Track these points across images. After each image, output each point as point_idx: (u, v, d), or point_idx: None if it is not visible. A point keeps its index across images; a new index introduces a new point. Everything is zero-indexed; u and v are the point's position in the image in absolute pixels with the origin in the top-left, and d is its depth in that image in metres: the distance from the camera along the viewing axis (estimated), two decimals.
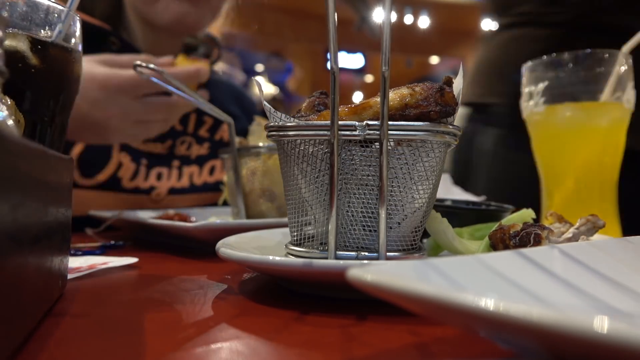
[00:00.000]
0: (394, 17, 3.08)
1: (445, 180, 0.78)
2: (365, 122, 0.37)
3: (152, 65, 0.68)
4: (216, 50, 1.19)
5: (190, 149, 1.08)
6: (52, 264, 0.33)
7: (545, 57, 0.71)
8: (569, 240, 0.39)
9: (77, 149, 0.94)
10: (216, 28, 1.13)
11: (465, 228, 0.52)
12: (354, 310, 0.35)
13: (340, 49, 0.37)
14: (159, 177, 1.02)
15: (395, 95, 0.39)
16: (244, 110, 1.22)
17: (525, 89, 0.72)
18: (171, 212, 0.85)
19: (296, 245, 0.42)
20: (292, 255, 0.41)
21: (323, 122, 0.39)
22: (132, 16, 1.04)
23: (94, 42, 0.97)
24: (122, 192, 0.98)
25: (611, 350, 0.15)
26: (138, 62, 0.68)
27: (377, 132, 0.37)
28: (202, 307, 0.37)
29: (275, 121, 0.42)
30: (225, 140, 1.12)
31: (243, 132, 0.83)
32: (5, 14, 0.30)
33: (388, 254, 0.38)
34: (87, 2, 1.01)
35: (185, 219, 0.77)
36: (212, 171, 1.10)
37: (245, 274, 0.49)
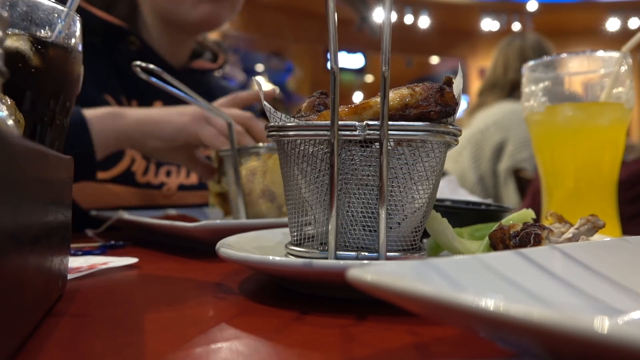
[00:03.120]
0: (394, 17, 3.07)
1: (452, 182, 0.78)
2: (365, 122, 0.37)
3: (151, 66, 0.68)
4: (222, 56, 1.21)
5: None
6: (52, 264, 0.33)
7: (545, 57, 0.71)
8: (569, 240, 0.39)
9: None
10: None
11: (465, 228, 0.52)
12: (354, 310, 0.35)
13: (340, 49, 0.37)
14: (168, 174, 1.06)
15: (395, 95, 0.39)
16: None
17: (525, 89, 0.72)
18: (172, 212, 0.85)
19: (296, 245, 0.42)
20: (292, 255, 0.41)
21: (323, 122, 0.38)
22: (149, 16, 1.05)
23: (114, 40, 0.99)
24: (136, 187, 1.01)
25: (611, 350, 0.15)
26: (137, 63, 0.67)
27: (377, 132, 0.37)
28: (202, 307, 0.37)
29: (275, 121, 0.42)
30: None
31: None
32: (5, 14, 0.30)
33: (388, 254, 0.38)
34: (106, 1, 1.02)
35: (191, 219, 0.77)
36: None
37: (245, 274, 0.49)
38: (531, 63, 0.72)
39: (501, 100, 2.16)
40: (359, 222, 0.39)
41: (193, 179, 1.09)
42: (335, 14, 0.36)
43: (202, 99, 0.72)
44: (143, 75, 0.69)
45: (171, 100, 1.03)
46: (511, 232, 0.41)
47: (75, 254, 0.58)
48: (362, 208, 0.39)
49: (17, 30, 0.42)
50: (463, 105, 2.17)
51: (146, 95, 1.04)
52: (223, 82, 1.36)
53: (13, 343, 0.25)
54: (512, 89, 2.16)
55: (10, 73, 0.30)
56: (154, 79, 0.70)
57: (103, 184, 0.97)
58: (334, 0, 0.36)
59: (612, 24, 8.24)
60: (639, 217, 1.31)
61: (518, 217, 0.46)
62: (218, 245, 0.42)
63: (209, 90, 1.12)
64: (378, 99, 0.39)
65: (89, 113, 0.79)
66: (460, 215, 0.57)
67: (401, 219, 0.40)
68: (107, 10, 1.00)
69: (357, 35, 8.07)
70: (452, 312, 0.19)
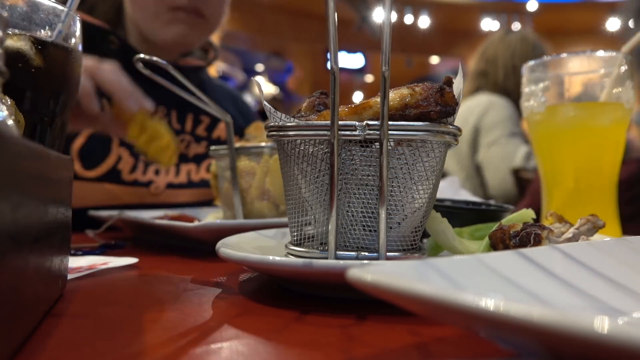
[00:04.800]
0: (394, 17, 3.08)
1: (454, 183, 0.78)
2: (365, 122, 0.37)
3: (155, 58, 0.67)
4: (212, 52, 1.21)
5: (188, 148, 1.10)
6: (52, 264, 0.33)
7: (545, 57, 0.71)
8: (569, 240, 0.39)
9: (78, 142, 0.96)
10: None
11: (465, 228, 0.52)
12: (354, 310, 0.35)
13: (340, 49, 0.37)
14: (157, 172, 1.05)
15: (395, 95, 0.39)
16: (240, 111, 1.25)
17: (525, 89, 0.72)
18: (172, 213, 0.85)
19: (296, 245, 0.42)
20: (292, 255, 0.41)
21: (323, 122, 0.38)
22: (131, 25, 1.05)
23: (93, 40, 0.98)
24: (123, 185, 1.00)
25: (611, 350, 0.15)
26: (140, 56, 0.67)
27: (377, 132, 0.37)
28: (202, 307, 0.37)
29: (275, 121, 0.42)
30: (222, 138, 1.13)
31: (239, 131, 0.83)
32: (5, 14, 0.30)
33: (388, 254, 0.38)
34: (88, 3, 1.01)
35: (191, 219, 0.77)
36: (209, 168, 1.12)
37: (245, 274, 0.49)
38: (531, 63, 0.72)
39: (469, 94, 2.16)
40: (359, 222, 0.39)
41: (182, 177, 1.08)
42: (335, 14, 0.36)
43: (204, 95, 0.72)
44: (146, 71, 0.68)
45: (165, 101, 1.03)
46: (511, 232, 0.41)
47: (75, 254, 0.58)
48: (362, 208, 0.39)
49: (17, 30, 0.42)
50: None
51: None
52: (216, 80, 1.34)
53: (13, 343, 0.25)
54: (479, 80, 2.15)
55: (11, 73, 0.30)
56: (155, 75, 0.69)
57: (88, 182, 0.97)
58: (334, 0, 0.36)
59: (612, 24, 8.24)
60: (639, 217, 1.31)
61: (518, 217, 0.46)
62: (218, 245, 0.42)
63: (200, 87, 1.11)
64: (378, 99, 0.39)
65: None
66: (460, 215, 0.57)
67: (401, 219, 0.40)
68: (89, 12, 0.99)
69: (357, 35, 8.07)
70: (452, 312, 0.19)
